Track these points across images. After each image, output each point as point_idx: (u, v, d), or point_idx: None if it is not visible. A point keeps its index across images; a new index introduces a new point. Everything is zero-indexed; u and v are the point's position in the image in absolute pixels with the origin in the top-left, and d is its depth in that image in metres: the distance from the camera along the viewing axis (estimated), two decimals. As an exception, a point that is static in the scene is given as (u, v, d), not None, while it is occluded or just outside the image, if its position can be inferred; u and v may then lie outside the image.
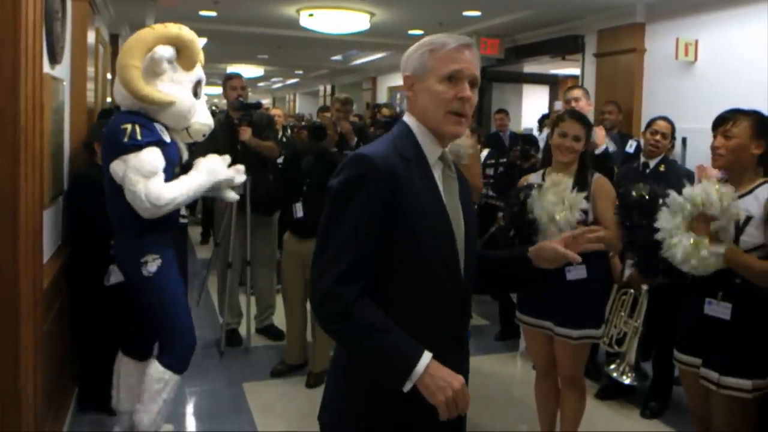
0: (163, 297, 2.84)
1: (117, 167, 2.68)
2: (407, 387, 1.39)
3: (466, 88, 1.53)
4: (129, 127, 2.68)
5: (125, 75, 2.71)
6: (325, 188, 1.51)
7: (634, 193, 2.74)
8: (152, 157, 2.67)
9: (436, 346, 1.45)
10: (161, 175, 2.69)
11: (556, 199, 2.73)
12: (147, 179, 2.63)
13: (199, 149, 3.48)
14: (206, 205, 7.81)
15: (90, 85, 4.01)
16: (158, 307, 2.84)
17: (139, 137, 2.67)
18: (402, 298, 1.48)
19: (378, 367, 1.44)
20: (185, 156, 3.08)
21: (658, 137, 3.80)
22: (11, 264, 2.19)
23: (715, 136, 2.51)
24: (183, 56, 2.85)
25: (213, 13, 7.26)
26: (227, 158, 3.07)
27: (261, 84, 19.48)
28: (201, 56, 3.00)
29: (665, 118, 3.91)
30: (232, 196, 3.17)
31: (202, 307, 4.94)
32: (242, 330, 4.68)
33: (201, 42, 3.12)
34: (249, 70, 14.29)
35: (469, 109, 1.55)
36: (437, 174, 1.57)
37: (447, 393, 1.38)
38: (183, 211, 3.84)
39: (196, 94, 2.95)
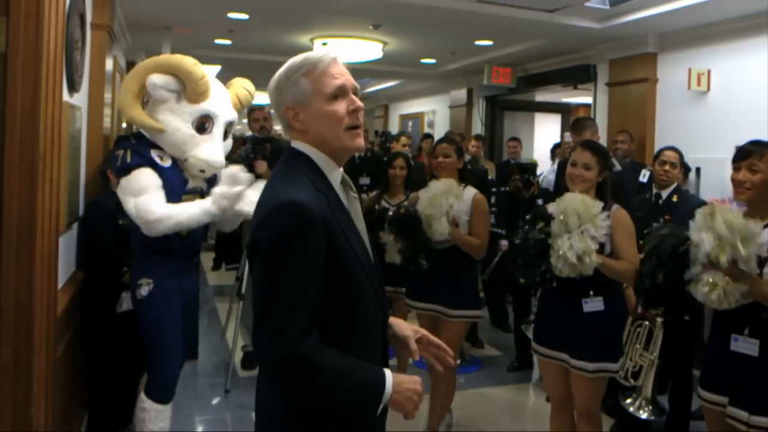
0: (147, 324, 2.87)
1: (118, 192, 2.81)
2: (379, 410, 1.44)
3: (354, 99, 1.52)
4: (121, 153, 2.80)
5: (120, 97, 2.89)
6: (255, 235, 1.41)
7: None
8: (141, 176, 2.75)
9: (376, 359, 1.53)
10: (154, 193, 2.74)
11: (574, 219, 2.70)
12: (136, 197, 2.71)
13: None
14: (219, 232, 7.84)
15: (107, 112, 4.06)
16: (143, 333, 2.88)
17: (128, 160, 2.77)
18: (342, 327, 1.46)
19: (351, 405, 1.43)
20: (193, 184, 2.98)
21: (666, 167, 3.77)
22: (26, 289, 2.19)
23: (738, 169, 2.48)
24: (187, 88, 2.85)
25: (228, 42, 7.34)
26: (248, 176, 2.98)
27: (273, 111, 19.68)
28: (219, 96, 2.97)
29: (672, 148, 3.88)
30: (246, 209, 2.92)
31: (216, 332, 4.92)
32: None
33: (213, 70, 3.13)
34: (263, 98, 14.41)
35: (361, 118, 1.53)
36: (343, 198, 1.55)
37: (415, 400, 1.46)
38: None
39: (203, 129, 2.91)
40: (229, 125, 3.07)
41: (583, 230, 2.68)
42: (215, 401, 4.15)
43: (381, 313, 1.57)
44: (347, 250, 1.45)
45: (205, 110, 2.90)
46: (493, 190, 5.57)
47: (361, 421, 1.47)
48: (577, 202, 2.73)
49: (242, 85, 3.22)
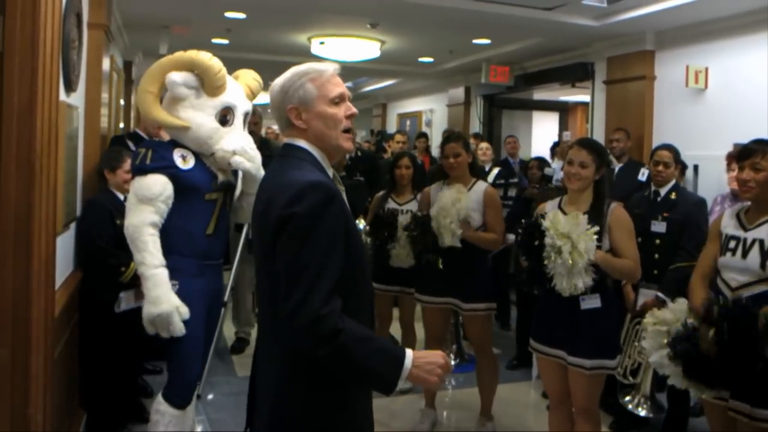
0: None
1: (129, 187, 2.85)
2: (400, 385, 1.55)
3: (350, 106, 1.73)
4: (143, 151, 2.81)
5: (140, 100, 2.87)
6: (282, 215, 1.54)
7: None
8: (152, 183, 2.74)
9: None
10: (157, 206, 2.72)
11: (566, 233, 2.70)
12: (139, 203, 2.73)
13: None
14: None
15: (104, 112, 4.05)
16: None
17: (148, 161, 2.77)
18: (347, 300, 1.58)
19: (368, 373, 1.54)
20: (223, 177, 2.95)
21: (660, 167, 3.73)
22: (24, 290, 2.19)
23: (741, 168, 2.48)
24: (205, 82, 2.87)
25: (225, 41, 7.34)
26: (183, 311, 2.73)
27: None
28: (241, 83, 3.09)
29: (666, 147, 3.82)
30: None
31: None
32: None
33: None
34: (260, 97, 14.40)
35: (353, 123, 1.77)
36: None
37: (438, 372, 1.57)
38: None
39: (226, 121, 2.93)
40: (246, 116, 3.09)
41: (573, 251, 2.67)
42: (208, 399, 4.15)
43: (371, 290, 1.82)
44: (352, 228, 1.65)
45: (226, 102, 2.93)
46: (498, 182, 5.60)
47: (380, 388, 1.56)
48: (563, 224, 2.72)
49: (251, 76, 3.27)
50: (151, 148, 2.82)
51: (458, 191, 3.49)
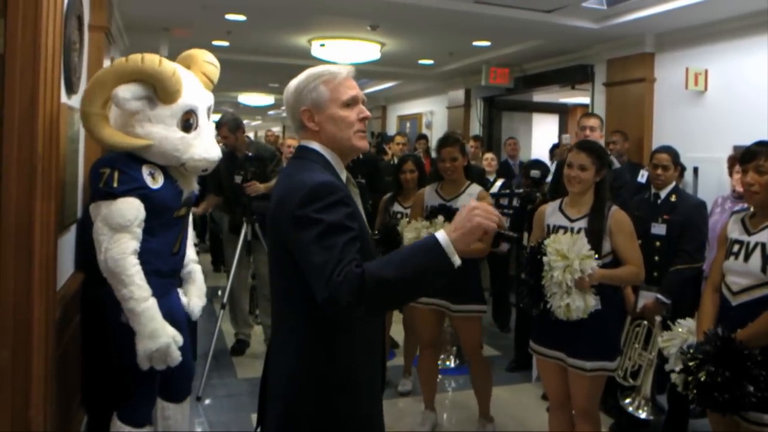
0: (132, 351, 2.52)
1: (92, 211, 2.53)
2: (457, 261, 1.51)
3: (363, 108, 1.76)
4: (107, 171, 2.47)
5: (87, 125, 2.53)
6: (296, 215, 1.56)
7: None
8: (125, 209, 2.45)
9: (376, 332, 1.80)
10: (134, 232, 2.47)
11: (563, 251, 2.70)
12: (114, 232, 2.44)
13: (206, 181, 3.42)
14: (213, 232, 7.88)
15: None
16: (127, 357, 2.55)
17: (115, 184, 2.45)
18: None
19: (421, 273, 1.50)
20: (187, 192, 2.78)
21: (659, 171, 3.73)
22: (25, 291, 2.19)
23: (745, 171, 2.47)
24: (159, 90, 2.53)
25: (226, 43, 7.35)
26: (178, 340, 2.58)
27: (271, 112, 19.64)
28: (195, 72, 2.75)
29: (665, 149, 3.80)
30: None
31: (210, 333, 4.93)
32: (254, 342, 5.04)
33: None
34: (260, 99, 14.43)
35: (366, 125, 1.80)
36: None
37: (479, 214, 1.52)
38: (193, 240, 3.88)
39: (189, 126, 2.64)
40: (209, 109, 2.79)
41: (566, 270, 2.67)
42: (208, 401, 4.15)
43: None
44: (362, 224, 1.68)
45: (186, 105, 2.61)
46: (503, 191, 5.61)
47: (443, 274, 1.53)
48: (563, 243, 2.72)
49: (204, 59, 2.90)
50: (117, 169, 2.47)
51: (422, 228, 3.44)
